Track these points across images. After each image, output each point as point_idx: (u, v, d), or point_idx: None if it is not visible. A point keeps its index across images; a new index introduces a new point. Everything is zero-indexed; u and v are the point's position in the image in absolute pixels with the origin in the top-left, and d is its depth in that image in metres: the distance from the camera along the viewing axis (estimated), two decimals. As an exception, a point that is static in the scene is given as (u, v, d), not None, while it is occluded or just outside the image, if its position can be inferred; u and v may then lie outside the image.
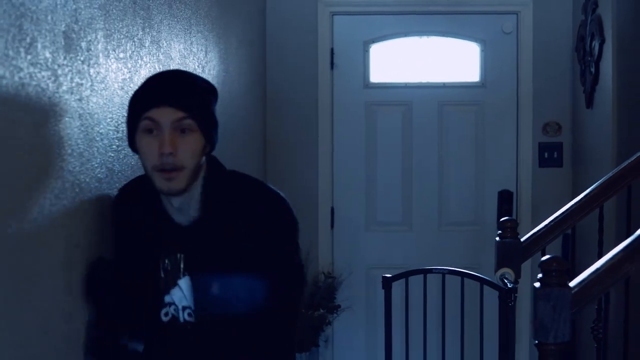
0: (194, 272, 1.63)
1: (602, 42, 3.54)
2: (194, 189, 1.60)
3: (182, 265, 1.64)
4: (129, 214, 1.69)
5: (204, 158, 1.61)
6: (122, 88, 1.81)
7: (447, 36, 4.30)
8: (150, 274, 1.65)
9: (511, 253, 2.66)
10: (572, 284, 1.82)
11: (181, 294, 1.65)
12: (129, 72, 1.87)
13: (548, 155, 4.27)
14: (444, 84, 4.30)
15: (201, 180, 1.62)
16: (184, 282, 1.64)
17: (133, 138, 1.56)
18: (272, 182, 4.25)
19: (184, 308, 1.65)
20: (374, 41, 4.30)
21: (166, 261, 1.65)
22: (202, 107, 1.57)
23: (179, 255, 1.64)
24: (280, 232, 1.64)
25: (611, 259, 1.82)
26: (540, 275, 1.81)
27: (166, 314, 1.67)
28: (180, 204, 1.60)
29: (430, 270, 2.95)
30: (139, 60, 1.96)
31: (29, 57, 1.32)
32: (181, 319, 1.65)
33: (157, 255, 1.65)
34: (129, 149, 1.68)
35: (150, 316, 1.67)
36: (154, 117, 1.51)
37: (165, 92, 1.54)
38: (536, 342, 1.84)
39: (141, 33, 1.98)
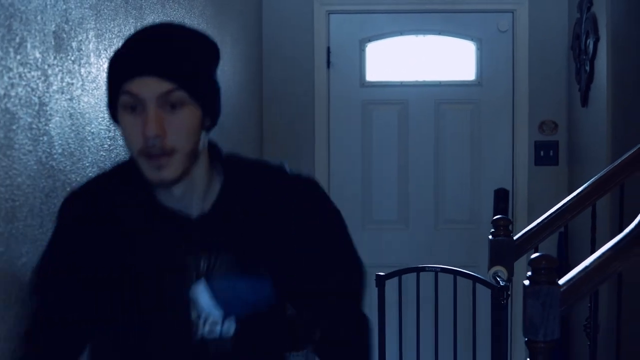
0: (236, 274, 1.33)
1: (596, 40, 3.55)
2: (196, 172, 1.30)
3: (197, 268, 1.32)
4: (101, 217, 1.33)
5: (204, 134, 1.30)
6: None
7: (443, 35, 4.30)
8: (160, 289, 1.32)
9: (504, 251, 2.67)
10: (561, 281, 1.84)
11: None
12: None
13: (544, 153, 4.28)
14: (439, 82, 4.31)
15: (205, 160, 1.33)
16: (198, 289, 1.32)
17: (115, 109, 1.27)
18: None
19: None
20: (370, 40, 4.31)
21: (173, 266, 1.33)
22: (196, 72, 1.26)
23: (195, 255, 1.32)
24: (329, 220, 1.43)
25: (600, 257, 1.83)
26: (529, 273, 1.82)
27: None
28: (182, 192, 1.31)
29: (424, 269, 2.97)
30: (131, 60, 1.97)
31: (18, 57, 1.33)
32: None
33: (161, 262, 1.32)
34: (121, 149, 1.69)
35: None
36: (134, 92, 1.21)
37: (147, 57, 1.23)
38: (526, 339, 1.86)
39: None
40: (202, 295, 1.31)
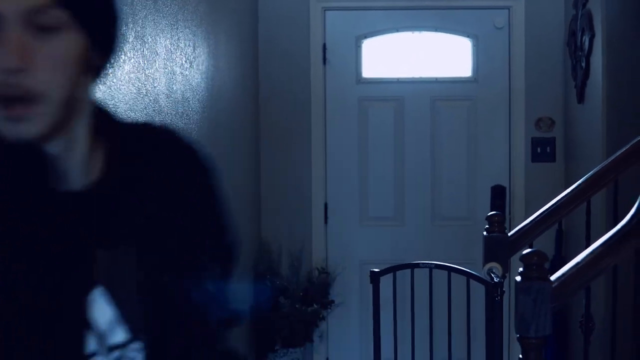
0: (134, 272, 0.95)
1: (592, 37, 3.55)
2: (76, 130, 0.93)
3: (91, 267, 0.92)
4: None
5: (90, 77, 0.96)
6: (105, 83, 1.81)
7: (439, 31, 4.30)
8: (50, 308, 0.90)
9: (498, 247, 2.67)
10: (553, 278, 1.83)
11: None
12: (111, 67, 1.87)
13: (541, 150, 4.28)
14: (436, 79, 4.30)
15: (90, 118, 0.96)
16: (94, 299, 0.93)
17: None
18: (266, 179, 4.27)
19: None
20: (366, 36, 4.31)
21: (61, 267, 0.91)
22: None
23: (85, 248, 0.92)
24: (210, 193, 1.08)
25: (591, 253, 1.83)
26: (521, 269, 1.82)
27: None
28: (57, 156, 0.93)
29: (418, 265, 2.96)
30: (122, 56, 1.96)
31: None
32: None
33: (36, 259, 0.90)
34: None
35: None
36: None
37: None
38: (518, 336, 1.85)
39: (124, 28, 1.98)
40: (100, 307, 0.93)
